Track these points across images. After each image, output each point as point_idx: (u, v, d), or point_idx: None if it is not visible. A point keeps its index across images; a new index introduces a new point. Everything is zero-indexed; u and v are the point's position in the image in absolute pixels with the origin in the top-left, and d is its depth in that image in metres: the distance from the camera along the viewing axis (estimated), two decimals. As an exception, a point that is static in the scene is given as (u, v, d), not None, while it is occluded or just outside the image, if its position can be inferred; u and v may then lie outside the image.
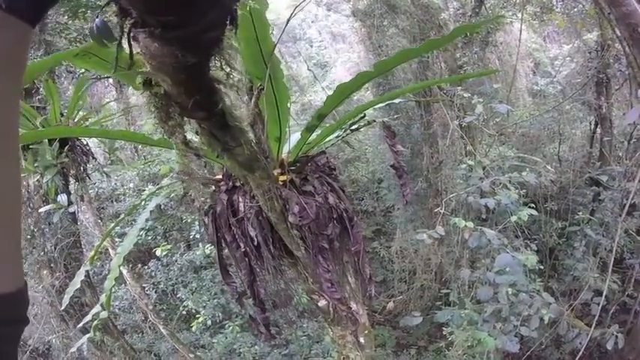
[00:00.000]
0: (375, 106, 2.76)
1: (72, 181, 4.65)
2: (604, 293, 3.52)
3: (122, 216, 2.49)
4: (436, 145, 6.51)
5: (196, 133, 1.26)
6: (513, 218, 4.15)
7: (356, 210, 2.63)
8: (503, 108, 5.24)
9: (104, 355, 6.06)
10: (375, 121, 2.53)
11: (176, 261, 7.81)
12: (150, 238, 8.26)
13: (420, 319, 3.82)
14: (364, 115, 2.44)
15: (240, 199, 2.21)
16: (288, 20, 1.95)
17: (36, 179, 4.68)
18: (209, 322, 7.05)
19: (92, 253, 2.67)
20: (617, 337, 3.70)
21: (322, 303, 2.94)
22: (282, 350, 6.68)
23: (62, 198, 4.38)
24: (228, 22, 0.88)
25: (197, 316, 7.11)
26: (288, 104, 1.94)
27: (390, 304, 7.34)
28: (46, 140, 3.89)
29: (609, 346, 3.69)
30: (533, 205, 4.91)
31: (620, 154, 8.56)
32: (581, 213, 5.83)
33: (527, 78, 12.58)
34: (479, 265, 4.24)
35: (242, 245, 2.31)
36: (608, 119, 8.12)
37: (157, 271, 7.89)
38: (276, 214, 2.03)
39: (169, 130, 1.15)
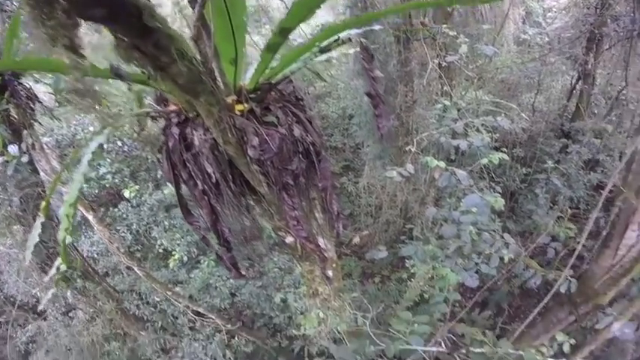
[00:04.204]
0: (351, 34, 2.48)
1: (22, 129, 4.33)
2: (577, 243, 3.62)
3: (67, 160, 2.25)
4: (411, 84, 6.30)
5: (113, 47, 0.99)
6: (484, 161, 4.14)
7: (325, 145, 2.46)
8: (489, 50, 5.03)
9: (89, 300, 6.17)
10: (350, 39, 2.23)
11: (145, 201, 7.74)
12: (117, 180, 8.05)
13: (386, 253, 3.88)
14: (338, 38, 2.17)
15: (194, 133, 2.02)
16: None
17: (-20, 131, 4.28)
18: (185, 259, 7.19)
19: (43, 204, 2.44)
20: (570, 281, 3.91)
21: (289, 240, 2.89)
22: (257, 282, 6.89)
23: (13, 148, 4.21)
24: None
25: (173, 253, 7.20)
26: (245, 17, 1.59)
27: (356, 239, 7.61)
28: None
29: (562, 289, 3.91)
30: (503, 149, 4.93)
31: (596, 111, 8.66)
32: (549, 162, 5.97)
33: (515, 25, 12.14)
34: (443, 203, 4.30)
35: (199, 183, 2.16)
36: (591, 76, 8.06)
37: (127, 212, 7.82)
38: (233, 148, 1.85)
39: (50, 34, 0.85)
